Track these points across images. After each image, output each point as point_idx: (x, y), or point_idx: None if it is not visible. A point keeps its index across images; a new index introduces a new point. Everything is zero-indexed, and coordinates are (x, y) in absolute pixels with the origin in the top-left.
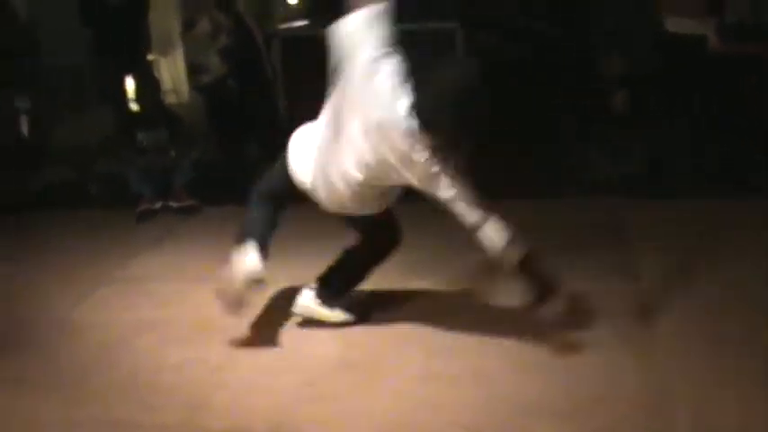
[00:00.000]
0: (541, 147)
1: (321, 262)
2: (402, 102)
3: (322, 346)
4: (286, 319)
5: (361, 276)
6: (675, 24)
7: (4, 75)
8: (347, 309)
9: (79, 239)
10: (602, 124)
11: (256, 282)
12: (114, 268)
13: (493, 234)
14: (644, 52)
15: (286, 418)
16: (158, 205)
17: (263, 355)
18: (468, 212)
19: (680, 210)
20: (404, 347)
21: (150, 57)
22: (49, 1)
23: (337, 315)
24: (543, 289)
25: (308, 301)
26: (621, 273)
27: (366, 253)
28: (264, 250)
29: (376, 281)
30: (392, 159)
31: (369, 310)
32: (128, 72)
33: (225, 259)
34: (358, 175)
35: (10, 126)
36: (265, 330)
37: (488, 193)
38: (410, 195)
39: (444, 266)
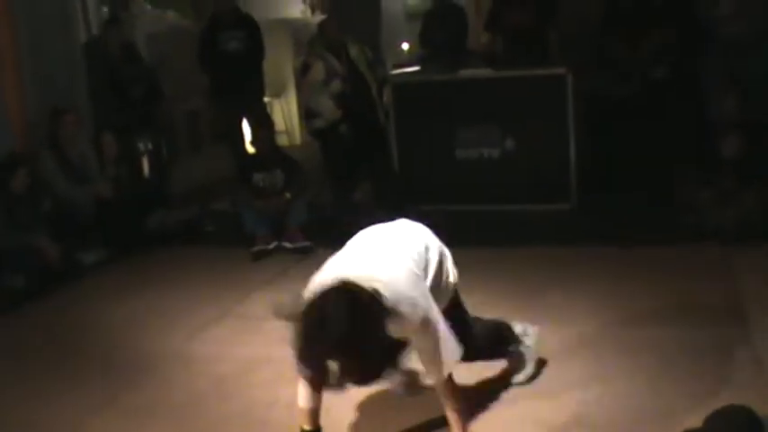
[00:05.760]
0: (649, 191)
1: None
2: None
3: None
4: None
5: None
6: None
7: (127, 118)
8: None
9: (195, 277)
10: (713, 169)
11: None
12: (229, 305)
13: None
14: (759, 96)
15: None
16: (273, 245)
17: (371, 396)
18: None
19: None
20: None
21: (265, 99)
22: (168, 48)
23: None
24: None
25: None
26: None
27: None
28: None
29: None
30: None
31: None
32: (244, 115)
33: None
34: None
35: (132, 167)
36: None
37: (596, 240)
38: None
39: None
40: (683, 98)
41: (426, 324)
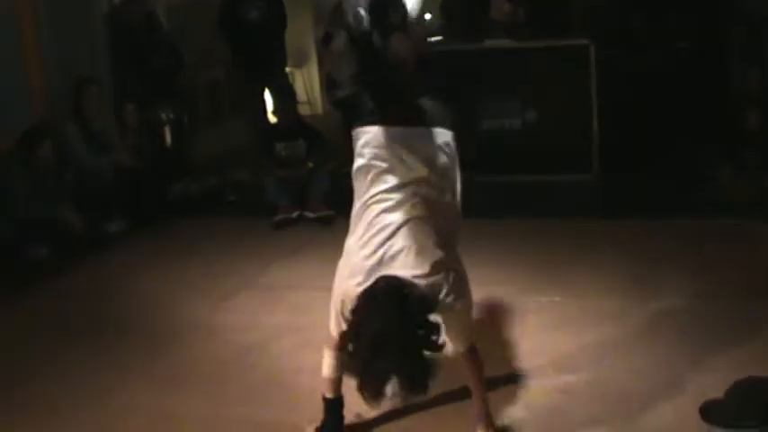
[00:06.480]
0: (669, 163)
1: None
2: None
3: None
4: None
5: None
6: None
7: (149, 88)
8: None
9: (218, 246)
10: (734, 142)
11: None
12: (253, 275)
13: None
14: None
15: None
16: (295, 215)
17: None
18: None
19: None
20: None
21: (287, 69)
22: (190, 18)
23: None
24: None
25: None
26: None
27: None
28: None
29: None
30: None
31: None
32: (266, 85)
33: None
34: None
35: (154, 137)
36: None
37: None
38: None
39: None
40: (704, 73)
41: (471, 302)
